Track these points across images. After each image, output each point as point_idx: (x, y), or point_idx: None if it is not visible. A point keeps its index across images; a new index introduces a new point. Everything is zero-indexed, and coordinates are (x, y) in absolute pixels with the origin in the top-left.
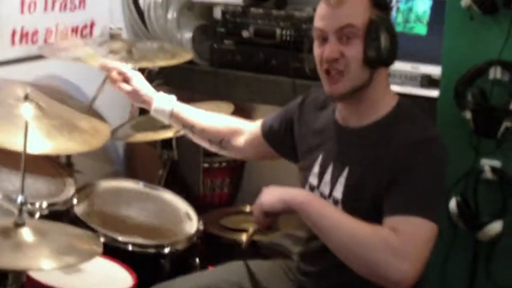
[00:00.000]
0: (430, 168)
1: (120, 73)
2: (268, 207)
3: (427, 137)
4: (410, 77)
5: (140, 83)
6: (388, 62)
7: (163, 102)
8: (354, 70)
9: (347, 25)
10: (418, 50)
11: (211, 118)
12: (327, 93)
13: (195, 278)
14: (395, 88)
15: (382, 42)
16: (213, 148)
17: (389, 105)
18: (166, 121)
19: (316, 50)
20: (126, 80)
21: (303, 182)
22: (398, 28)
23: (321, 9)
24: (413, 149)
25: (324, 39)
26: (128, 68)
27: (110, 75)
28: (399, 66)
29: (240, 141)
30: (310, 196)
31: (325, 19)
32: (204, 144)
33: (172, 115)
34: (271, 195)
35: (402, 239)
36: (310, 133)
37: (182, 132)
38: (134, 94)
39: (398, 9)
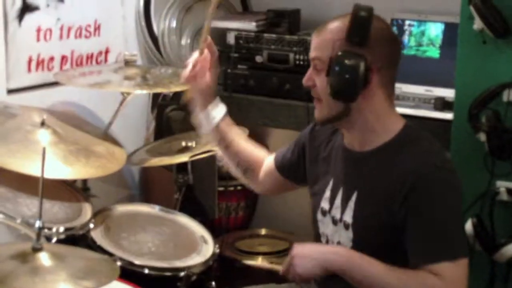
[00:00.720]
0: (450, 200)
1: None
2: (307, 276)
3: (437, 165)
4: (423, 100)
5: (215, 82)
6: (346, 99)
7: (218, 110)
8: (325, 100)
9: (314, 57)
10: (431, 73)
11: (248, 144)
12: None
13: None
14: (409, 111)
15: (338, 79)
16: (237, 172)
17: (392, 130)
18: (208, 128)
19: None
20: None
21: (315, 207)
22: (411, 52)
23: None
24: (424, 179)
25: None
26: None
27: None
28: (412, 89)
29: (260, 175)
30: (348, 257)
31: (311, 47)
32: (231, 165)
33: (218, 127)
34: (307, 263)
35: (447, 285)
36: (321, 158)
37: (212, 143)
38: (204, 91)
39: (410, 33)
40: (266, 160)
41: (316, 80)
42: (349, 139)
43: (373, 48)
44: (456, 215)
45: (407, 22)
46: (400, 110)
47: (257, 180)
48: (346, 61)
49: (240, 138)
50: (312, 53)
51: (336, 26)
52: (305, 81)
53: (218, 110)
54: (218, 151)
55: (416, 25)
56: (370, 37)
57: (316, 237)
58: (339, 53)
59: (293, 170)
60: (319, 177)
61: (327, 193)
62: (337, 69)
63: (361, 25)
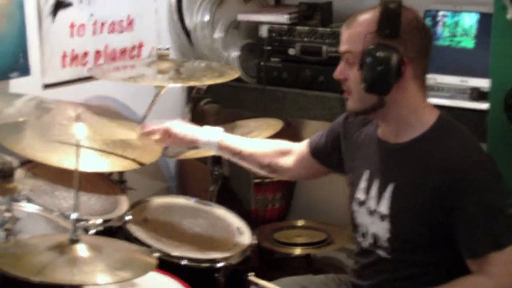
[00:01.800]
0: (494, 191)
1: (157, 131)
2: None
3: (476, 157)
4: (459, 91)
5: (179, 129)
6: (380, 92)
7: (209, 135)
8: (357, 93)
9: (346, 50)
10: (466, 64)
11: (257, 143)
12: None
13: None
14: (444, 101)
15: (371, 72)
16: (263, 172)
17: (427, 121)
18: (215, 151)
19: None
20: (166, 133)
21: (351, 197)
22: (445, 43)
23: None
24: (465, 171)
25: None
26: (161, 124)
27: (155, 140)
28: (447, 79)
29: (289, 161)
30: None
31: (341, 41)
32: (255, 169)
33: (220, 146)
34: None
35: (497, 280)
36: (356, 148)
37: (231, 160)
38: (178, 141)
39: (444, 23)
40: (298, 146)
41: (348, 73)
42: (384, 130)
43: (404, 39)
44: (501, 204)
45: (440, 13)
46: (436, 101)
47: (287, 168)
48: (379, 54)
49: (248, 143)
50: (343, 47)
51: (366, 19)
52: (337, 74)
53: (212, 135)
54: (238, 163)
55: (450, 16)
56: (401, 29)
57: (354, 227)
58: (371, 47)
59: (327, 156)
60: (354, 168)
61: (362, 184)
62: (369, 63)
63: (391, 17)
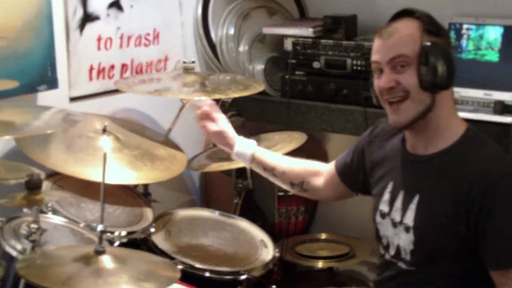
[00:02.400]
0: None
1: (208, 112)
2: None
3: (505, 170)
4: (482, 104)
5: (226, 126)
6: (445, 86)
7: (245, 147)
8: (414, 95)
9: (399, 55)
10: (490, 77)
11: (290, 161)
12: (392, 123)
13: None
14: (468, 115)
15: (436, 67)
16: (294, 190)
17: (457, 132)
18: (247, 164)
19: (375, 82)
20: (212, 120)
21: (374, 209)
22: (469, 56)
23: (375, 42)
24: (494, 182)
25: (380, 71)
26: (215, 109)
27: (199, 112)
28: (471, 93)
29: (320, 182)
30: None
31: (379, 51)
32: (286, 187)
33: (254, 159)
34: None
35: None
36: (380, 162)
37: (260, 173)
38: (219, 136)
39: (468, 36)
40: (327, 167)
41: (400, 79)
42: (414, 142)
43: (446, 38)
44: None
45: (465, 26)
46: (460, 114)
47: (317, 188)
48: (439, 49)
49: (281, 160)
50: (390, 53)
51: (407, 24)
52: (387, 83)
53: (247, 147)
54: (268, 178)
55: (474, 29)
56: (441, 28)
57: (378, 239)
58: (426, 44)
59: (351, 176)
60: (378, 181)
61: (386, 196)
62: (430, 59)
63: (430, 18)
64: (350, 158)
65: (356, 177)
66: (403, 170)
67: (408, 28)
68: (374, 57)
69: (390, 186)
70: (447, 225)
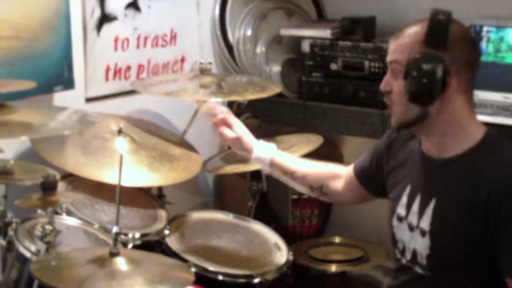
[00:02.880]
0: None
1: (224, 119)
2: None
3: None
4: (502, 107)
5: (243, 131)
6: (424, 102)
7: (264, 151)
8: (399, 104)
9: (393, 60)
10: (510, 80)
11: (310, 164)
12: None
13: None
14: (487, 118)
15: (417, 81)
16: (314, 194)
17: (473, 137)
18: (267, 168)
19: None
20: (228, 126)
21: (391, 213)
22: (489, 58)
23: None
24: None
25: None
26: (231, 116)
27: (215, 119)
28: (490, 96)
29: (339, 185)
30: None
31: (388, 51)
32: (305, 190)
33: (273, 163)
34: None
35: None
36: (399, 165)
37: (279, 178)
38: (237, 141)
39: (489, 39)
40: (346, 170)
41: (393, 85)
42: (428, 145)
43: (451, 51)
44: None
45: (485, 28)
46: (478, 117)
47: (337, 192)
48: (424, 64)
49: (301, 164)
50: (390, 56)
51: (414, 30)
52: (383, 86)
53: (266, 151)
54: (287, 182)
55: (495, 31)
56: (449, 41)
57: (393, 244)
58: (417, 56)
59: (370, 179)
60: (396, 184)
61: (404, 199)
62: (414, 72)
63: (439, 28)
64: (369, 162)
65: (375, 181)
66: (420, 173)
67: (409, 35)
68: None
69: (408, 189)
70: (463, 230)
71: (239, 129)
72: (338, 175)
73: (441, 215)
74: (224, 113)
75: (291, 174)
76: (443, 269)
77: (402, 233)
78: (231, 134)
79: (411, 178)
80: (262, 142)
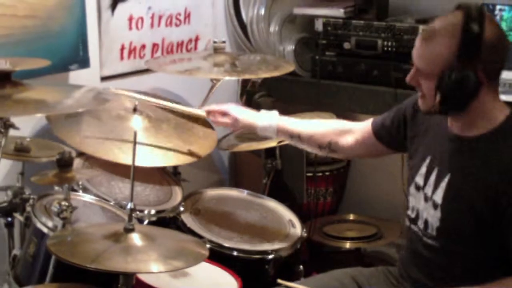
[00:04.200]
0: None
1: (214, 110)
2: None
3: None
4: None
5: (237, 112)
6: (456, 110)
7: (268, 119)
8: (431, 101)
9: (423, 69)
10: None
11: (316, 124)
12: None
13: (301, 284)
14: (501, 97)
15: (449, 95)
16: (323, 153)
17: (498, 118)
18: (273, 136)
19: None
20: (223, 114)
21: (410, 180)
22: None
23: (417, 38)
24: None
25: None
26: (221, 106)
27: (210, 117)
28: (504, 74)
29: (348, 140)
30: None
31: (415, 50)
32: (314, 150)
33: (279, 129)
34: None
35: None
36: (422, 133)
37: (288, 142)
38: (235, 123)
39: (501, 17)
40: (360, 126)
41: (422, 83)
42: (452, 121)
43: (485, 61)
44: None
45: (498, 7)
46: None
47: (347, 147)
48: (457, 78)
49: (306, 125)
50: (419, 63)
51: (446, 40)
52: (409, 80)
53: (270, 119)
54: (296, 145)
55: (508, 10)
56: (482, 52)
57: (407, 209)
58: (450, 72)
59: (390, 137)
60: (417, 152)
61: (423, 169)
62: (447, 85)
63: (472, 41)
64: (389, 121)
65: (395, 137)
66: (441, 147)
67: (441, 46)
68: (413, 50)
69: (427, 160)
70: (474, 208)
71: (233, 112)
72: (348, 130)
73: (454, 190)
74: (212, 111)
75: (298, 137)
76: (452, 241)
77: (418, 202)
78: (225, 119)
79: (433, 150)
80: (263, 112)
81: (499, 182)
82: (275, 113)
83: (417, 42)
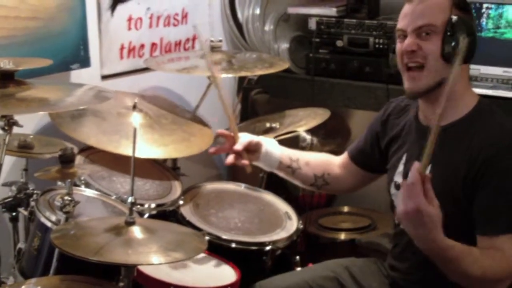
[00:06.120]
0: None
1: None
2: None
3: (509, 140)
4: (501, 81)
5: (248, 137)
6: (466, 60)
7: (270, 143)
8: (433, 63)
9: (427, 24)
10: (510, 55)
11: (309, 153)
12: (407, 89)
13: (297, 274)
14: (487, 91)
15: (460, 40)
16: (317, 183)
17: (469, 105)
18: (275, 160)
19: (398, 46)
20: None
21: (389, 182)
22: (488, 34)
23: (404, 8)
24: (498, 151)
25: (404, 36)
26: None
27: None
28: (491, 70)
29: (338, 172)
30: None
31: (407, 17)
32: (308, 180)
33: (282, 153)
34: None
35: (508, 258)
36: (395, 137)
37: (282, 174)
38: (248, 145)
39: (488, 15)
40: (340, 158)
41: (423, 45)
42: (427, 113)
43: (471, 14)
44: None
45: (484, 5)
46: (479, 91)
47: (338, 179)
48: (465, 24)
49: (301, 153)
50: (420, 21)
51: None
52: (409, 46)
53: (273, 145)
54: (292, 175)
55: (494, 8)
56: (470, 5)
57: (392, 210)
58: (454, 17)
59: (366, 158)
60: (393, 154)
61: (400, 168)
62: (456, 32)
63: None
64: (363, 143)
65: (372, 159)
66: (416, 142)
67: None
68: (401, 23)
69: (404, 158)
70: (457, 196)
71: (243, 139)
72: (334, 163)
73: (436, 181)
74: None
75: (296, 161)
76: None
77: (399, 200)
78: (238, 146)
79: (408, 147)
80: (263, 137)
81: (476, 160)
82: (273, 140)
83: (409, 7)
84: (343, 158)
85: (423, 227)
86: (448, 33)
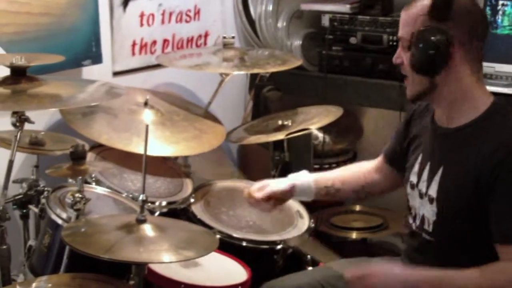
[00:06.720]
0: None
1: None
2: None
3: None
4: None
5: (276, 186)
6: (430, 72)
7: (301, 177)
8: (410, 76)
9: (400, 36)
10: None
11: (344, 170)
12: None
13: (309, 274)
14: (502, 89)
15: (421, 53)
16: (361, 195)
17: (481, 107)
18: (310, 193)
19: None
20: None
21: (405, 181)
22: (504, 32)
23: None
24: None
25: None
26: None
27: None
28: (506, 68)
29: (374, 178)
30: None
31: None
32: (351, 195)
33: (316, 181)
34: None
35: None
36: (414, 137)
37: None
38: (279, 195)
39: (504, 12)
40: (377, 160)
41: (403, 57)
42: (439, 114)
43: (456, 22)
44: None
45: (500, 2)
46: (493, 89)
47: (378, 183)
48: (426, 36)
49: (335, 173)
50: (400, 31)
51: (421, 3)
52: (395, 59)
53: (303, 177)
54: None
55: (510, 5)
56: (453, 12)
57: (408, 209)
58: (420, 29)
59: (400, 161)
60: (411, 154)
61: (416, 167)
62: (417, 44)
63: (443, 1)
64: (394, 144)
65: (401, 158)
66: (431, 143)
67: (416, 8)
68: None
69: (420, 158)
70: (469, 199)
71: (274, 186)
72: (369, 169)
73: (447, 183)
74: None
75: (332, 185)
76: (448, 236)
77: (414, 200)
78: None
79: (423, 148)
80: (292, 175)
81: (488, 164)
82: (304, 171)
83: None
84: (378, 161)
85: None
86: (412, 47)
